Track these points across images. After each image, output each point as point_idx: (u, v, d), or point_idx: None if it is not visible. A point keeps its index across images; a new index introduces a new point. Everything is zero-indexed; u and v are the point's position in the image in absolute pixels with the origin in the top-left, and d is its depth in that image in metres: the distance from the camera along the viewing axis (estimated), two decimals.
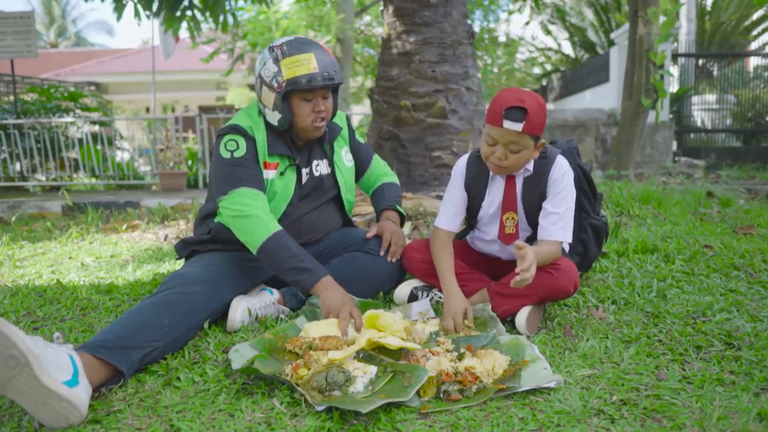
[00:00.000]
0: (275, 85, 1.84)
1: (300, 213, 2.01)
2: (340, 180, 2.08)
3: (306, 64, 1.81)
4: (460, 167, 1.96)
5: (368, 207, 3.52)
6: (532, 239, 1.90)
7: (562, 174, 1.81)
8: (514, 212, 1.86)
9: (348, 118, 2.22)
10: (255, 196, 1.82)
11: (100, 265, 2.90)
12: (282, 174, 1.93)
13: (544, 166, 1.82)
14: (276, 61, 1.84)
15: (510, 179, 1.85)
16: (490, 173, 1.88)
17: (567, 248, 1.96)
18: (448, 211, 1.96)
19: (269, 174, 1.91)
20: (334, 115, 2.02)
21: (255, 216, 1.79)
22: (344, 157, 2.12)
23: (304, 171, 2.00)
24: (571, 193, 1.83)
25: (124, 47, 28.18)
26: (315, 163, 2.04)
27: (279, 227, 1.80)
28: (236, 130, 1.90)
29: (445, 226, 1.95)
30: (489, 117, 1.72)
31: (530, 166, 1.82)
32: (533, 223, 1.86)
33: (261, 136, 1.91)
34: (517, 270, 1.52)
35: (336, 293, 1.73)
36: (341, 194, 2.10)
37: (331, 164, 2.08)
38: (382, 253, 2.06)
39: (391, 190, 2.26)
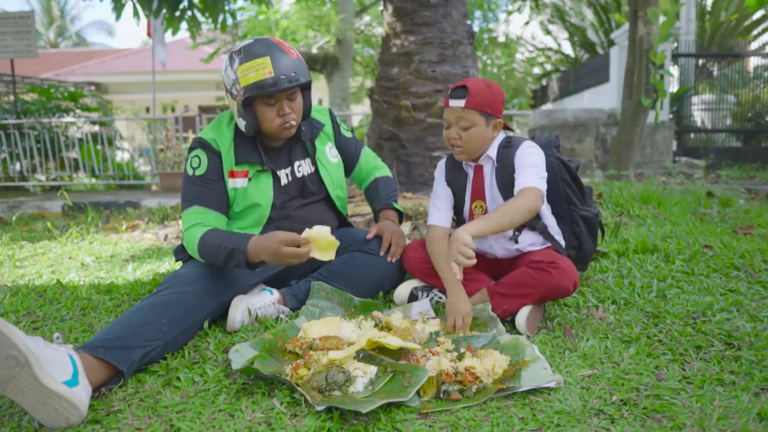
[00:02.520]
0: (234, 92, 1.82)
1: (288, 216, 1.99)
2: (326, 178, 2.05)
3: (261, 70, 1.76)
4: (440, 166, 2.04)
5: (368, 207, 3.51)
6: (520, 229, 1.91)
7: (526, 152, 1.84)
8: (482, 201, 1.92)
9: (332, 113, 2.17)
10: (203, 213, 1.83)
11: (100, 265, 2.90)
12: (255, 180, 1.91)
13: (509, 152, 1.87)
14: (233, 68, 1.81)
15: (478, 169, 1.91)
16: (465, 167, 1.94)
17: (563, 243, 1.96)
18: (437, 208, 2.01)
19: (238, 182, 1.89)
20: (308, 113, 1.97)
21: (190, 230, 1.80)
22: (328, 154, 2.08)
23: (284, 172, 1.97)
24: (540, 158, 1.85)
25: (124, 47, 28.18)
26: (297, 163, 2.00)
27: (206, 229, 1.78)
28: (200, 144, 1.89)
29: (438, 222, 1.98)
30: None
31: (492, 154, 1.88)
32: None
33: (226, 147, 1.89)
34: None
35: (263, 244, 1.68)
36: (329, 192, 2.08)
37: (315, 162, 2.04)
38: (382, 254, 2.05)
39: (385, 185, 2.23)
